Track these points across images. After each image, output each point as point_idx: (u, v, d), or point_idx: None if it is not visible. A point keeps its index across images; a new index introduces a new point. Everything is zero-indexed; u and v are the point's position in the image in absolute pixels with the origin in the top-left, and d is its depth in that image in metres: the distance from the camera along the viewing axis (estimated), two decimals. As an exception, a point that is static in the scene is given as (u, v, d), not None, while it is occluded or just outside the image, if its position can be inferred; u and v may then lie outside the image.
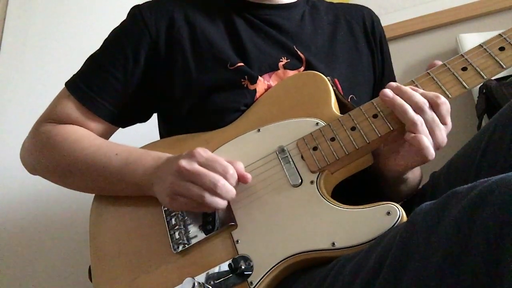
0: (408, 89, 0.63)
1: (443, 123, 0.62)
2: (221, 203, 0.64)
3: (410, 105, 0.62)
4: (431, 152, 0.61)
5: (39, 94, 1.34)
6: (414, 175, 0.78)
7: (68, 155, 0.75)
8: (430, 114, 0.61)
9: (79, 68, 0.83)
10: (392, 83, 0.65)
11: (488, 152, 0.65)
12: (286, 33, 0.83)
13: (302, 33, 0.85)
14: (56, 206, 1.27)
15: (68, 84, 0.81)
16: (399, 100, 0.63)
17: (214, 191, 0.63)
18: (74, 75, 0.82)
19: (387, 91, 0.64)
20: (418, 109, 0.61)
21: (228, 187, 0.64)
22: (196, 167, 0.63)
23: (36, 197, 1.28)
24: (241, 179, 0.66)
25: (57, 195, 1.23)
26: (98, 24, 1.44)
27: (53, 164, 0.78)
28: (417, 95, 0.62)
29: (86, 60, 0.83)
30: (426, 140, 0.60)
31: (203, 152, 0.65)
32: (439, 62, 0.66)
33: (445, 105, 0.62)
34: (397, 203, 0.79)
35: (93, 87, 0.79)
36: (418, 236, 0.46)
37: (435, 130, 0.62)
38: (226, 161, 0.66)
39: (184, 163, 0.64)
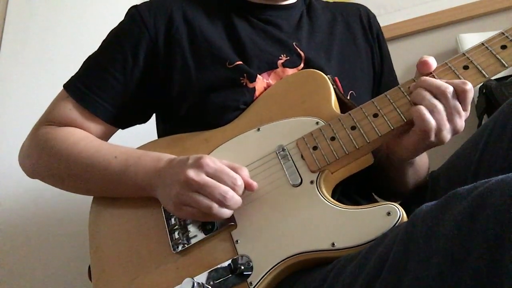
0: (428, 77, 0.62)
1: (465, 110, 0.61)
2: (228, 214, 0.64)
3: (431, 91, 0.61)
4: (446, 136, 0.60)
5: (39, 94, 1.34)
6: (421, 160, 0.77)
7: (66, 158, 0.75)
8: (452, 101, 0.60)
9: (77, 70, 0.82)
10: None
11: (487, 151, 0.65)
12: (285, 32, 0.83)
13: (301, 31, 0.85)
14: (55, 205, 1.27)
15: (66, 85, 0.80)
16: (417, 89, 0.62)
17: (223, 203, 0.62)
18: (72, 76, 0.82)
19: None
20: (440, 94, 0.60)
21: (236, 198, 0.64)
22: (205, 178, 0.63)
23: (35, 196, 1.27)
24: (247, 187, 0.66)
25: (56, 195, 1.22)
26: (98, 24, 1.44)
27: (51, 167, 0.77)
28: (438, 81, 0.61)
29: (84, 61, 0.83)
30: (429, 116, 0.59)
31: (211, 162, 0.64)
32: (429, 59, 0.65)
33: (471, 92, 0.60)
34: (402, 194, 0.79)
35: (92, 88, 0.78)
36: (419, 237, 0.46)
37: (455, 118, 0.61)
38: (232, 168, 0.65)
39: (192, 174, 0.63)
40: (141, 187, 0.71)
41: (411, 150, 0.66)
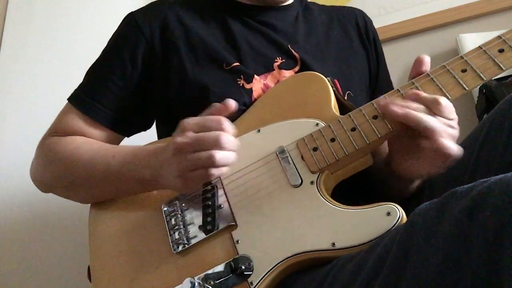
0: (402, 101, 0.62)
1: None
2: (232, 157, 0.63)
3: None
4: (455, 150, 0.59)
5: (39, 94, 1.34)
6: None
7: (68, 164, 0.76)
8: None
9: (80, 82, 0.84)
10: (380, 100, 0.64)
11: (484, 150, 0.65)
12: (281, 33, 0.84)
13: (297, 32, 0.85)
14: (55, 206, 1.27)
15: (70, 97, 0.82)
16: (405, 111, 0.61)
17: (220, 147, 0.61)
18: (75, 89, 0.83)
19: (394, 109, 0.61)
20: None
21: (231, 139, 0.62)
22: (192, 135, 0.62)
23: (35, 197, 1.27)
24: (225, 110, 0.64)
25: (56, 196, 1.23)
26: (97, 24, 1.44)
27: (57, 176, 0.78)
28: (413, 105, 0.61)
29: (86, 72, 0.84)
30: (449, 141, 0.59)
31: (190, 119, 0.63)
32: (426, 58, 0.65)
33: (447, 107, 0.60)
34: (396, 201, 0.79)
35: (94, 96, 0.80)
36: (418, 237, 0.46)
37: (448, 131, 0.60)
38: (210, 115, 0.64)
39: (179, 139, 0.62)
40: (143, 181, 0.70)
41: (428, 173, 0.65)
